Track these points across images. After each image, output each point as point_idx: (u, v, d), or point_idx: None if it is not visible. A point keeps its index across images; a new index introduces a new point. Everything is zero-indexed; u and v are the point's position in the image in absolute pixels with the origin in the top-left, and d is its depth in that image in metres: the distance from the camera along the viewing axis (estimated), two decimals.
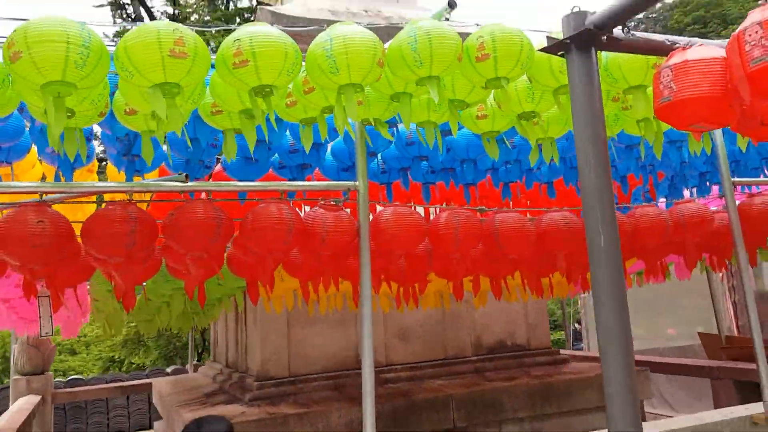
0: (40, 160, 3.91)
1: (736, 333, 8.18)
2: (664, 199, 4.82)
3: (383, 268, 3.82)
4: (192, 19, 24.42)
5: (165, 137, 3.05)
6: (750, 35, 1.94)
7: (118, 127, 2.83)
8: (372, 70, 2.54)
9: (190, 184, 3.07)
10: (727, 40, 2.14)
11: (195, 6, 24.45)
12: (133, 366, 15.89)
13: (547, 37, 2.40)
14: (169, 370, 12.54)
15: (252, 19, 22.73)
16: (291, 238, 3.14)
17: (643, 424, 3.43)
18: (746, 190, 4.86)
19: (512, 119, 3.25)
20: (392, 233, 3.48)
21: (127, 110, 2.67)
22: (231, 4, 24.96)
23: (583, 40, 2.24)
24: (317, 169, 3.85)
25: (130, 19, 25.18)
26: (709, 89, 2.11)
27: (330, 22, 5.71)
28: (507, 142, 3.55)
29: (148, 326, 5.82)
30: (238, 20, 23.81)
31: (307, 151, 3.25)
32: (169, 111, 2.34)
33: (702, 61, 2.14)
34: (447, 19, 3.50)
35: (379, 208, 3.72)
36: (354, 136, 3.31)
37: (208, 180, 3.57)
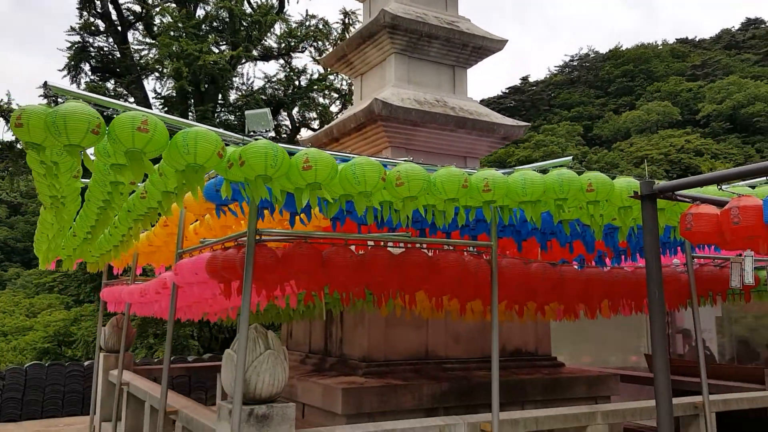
0: None
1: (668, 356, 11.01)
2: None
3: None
4: (157, 21, 25.79)
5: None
6: (732, 210, 4.48)
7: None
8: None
9: (413, 239, 5.40)
10: (720, 199, 4.71)
11: (160, 7, 25.59)
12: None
13: (634, 191, 4.87)
14: (190, 359, 14.33)
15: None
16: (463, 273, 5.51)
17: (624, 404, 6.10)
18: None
19: (581, 214, 5.73)
20: (508, 274, 5.90)
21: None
22: (201, 9, 26.31)
23: (652, 197, 4.74)
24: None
25: (98, 14, 26.35)
26: (711, 228, 4.64)
27: (417, 111, 8.32)
28: (577, 226, 6.06)
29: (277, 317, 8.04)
30: (206, 28, 25.39)
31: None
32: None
33: (708, 214, 4.67)
34: (570, 167, 5.93)
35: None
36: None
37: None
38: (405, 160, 5.03)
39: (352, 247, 5.47)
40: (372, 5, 10.38)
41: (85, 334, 21.58)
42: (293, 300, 5.92)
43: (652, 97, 74.49)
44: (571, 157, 5.85)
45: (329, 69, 11.60)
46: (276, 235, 5.07)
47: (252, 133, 4.87)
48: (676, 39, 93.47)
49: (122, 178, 4.34)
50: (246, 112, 4.94)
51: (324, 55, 9.76)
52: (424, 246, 5.80)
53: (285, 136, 25.52)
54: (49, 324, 25.37)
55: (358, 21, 24.52)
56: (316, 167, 4.11)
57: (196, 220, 7.09)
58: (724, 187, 5.14)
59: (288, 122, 26.16)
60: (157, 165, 4.43)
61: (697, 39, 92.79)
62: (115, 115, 3.69)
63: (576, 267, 6.52)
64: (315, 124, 25.94)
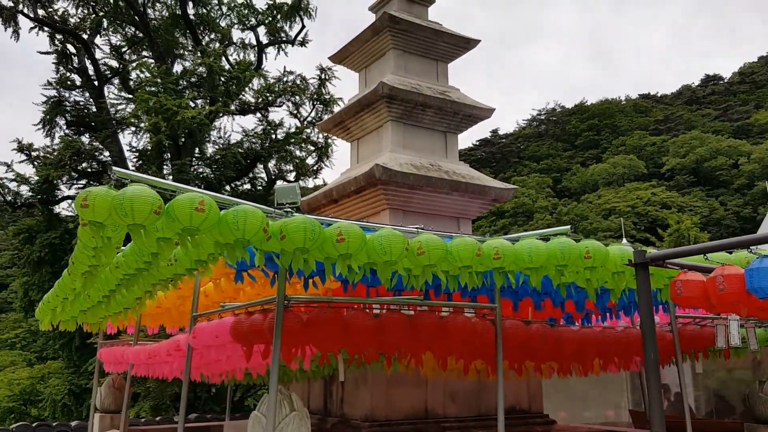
0: None
1: None
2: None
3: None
4: (134, 76, 26.27)
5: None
6: (717, 278, 4.97)
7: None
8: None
9: (424, 301, 5.79)
10: (705, 266, 5.20)
11: (137, 63, 26.10)
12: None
13: (629, 259, 5.36)
14: (176, 418, 14.22)
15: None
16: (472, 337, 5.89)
17: None
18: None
19: (577, 278, 6.19)
20: (511, 334, 6.30)
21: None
22: (179, 65, 26.85)
23: (644, 264, 5.22)
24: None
25: (74, 69, 26.75)
26: (699, 294, 5.12)
27: (414, 175, 8.78)
28: (572, 288, 6.52)
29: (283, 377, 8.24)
30: (184, 83, 25.92)
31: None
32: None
33: (695, 281, 5.16)
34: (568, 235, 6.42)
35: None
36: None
37: None
38: (418, 229, 5.46)
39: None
40: (368, 75, 11.02)
41: (53, 392, 21.08)
42: (307, 362, 6.21)
43: (617, 150, 76.90)
44: (569, 226, 6.35)
45: (326, 133, 12.08)
46: (302, 300, 5.40)
47: (280, 206, 5.25)
48: (639, 94, 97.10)
49: (165, 251, 4.67)
50: (276, 186, 5.38)
51: (322, 120, 10.49)
52: (425, 307, 6.18)
53: (261, 188, 25.76)
54: (13, 382, 24.74)
55: (335, 77, 25.22)
56: (348, 239, 4.52)
57: (208, 283, 7.38)
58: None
59: (264, 175, 26.49)
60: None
61: (658, 94, 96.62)
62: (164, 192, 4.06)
63: (571, 327, 6.96)
64: (291, 177, 26.27)
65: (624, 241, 11.48)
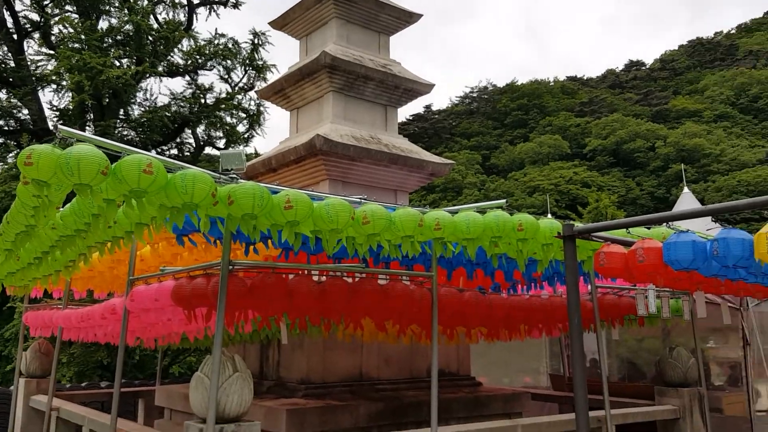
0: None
1: (568, 375, 12.19)
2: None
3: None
4: (56, 32, 25.10)
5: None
6: (638, 251, 5.39)
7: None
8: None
9: (365, 269, 5.97)
10: (627, 240, 5.62)
11: (60, 17, 24.89)
12: None
13: (558, 232, 5.70)
14: (103, 384, 13.96)
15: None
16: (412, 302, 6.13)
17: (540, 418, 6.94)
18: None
19: (509, 249, 6.53)
20: (444, 301, 6.59)
21: None
22: (105, 21, 25.70)
23: (572, 236, 5.59)
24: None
25: None
26: (620, 265, 5.54)
27: (355, 147, 8.99)
28: (502, 259, 6.86)
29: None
30: (109, 40, 24.94)
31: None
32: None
33: (617, 253, 5.57)
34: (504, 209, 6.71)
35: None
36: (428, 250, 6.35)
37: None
38: (362, 200, 5.61)
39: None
40: (309, 44, 10.94)
41: None
42: (248, 326, 6.29)
43: (544, 130, 79.39)
44: (505, 200, 6.66)
45: (265, 100, 11.96)
46: (246, 265, 5.47)
47: (226, 171, 5.27)
48: (567, 77, 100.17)
49: (109, 213, 4.63)
50: (221, 152, 5.36)
51: (260, 86, 10.38)
52: (362, 275, 6.37)
53: (188, 154, 25.18)
54: None
55: (269, 42, 24.79)
56: (296, 207, 4.62)
57: (145, 246, 7.28)
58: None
59: (192, 140, 25.88)
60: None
61: (585, 77, 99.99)
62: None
63: (500, 294, 7.33)
64: (221, 143, 25.80)
65: (549, 216, 12.02)
